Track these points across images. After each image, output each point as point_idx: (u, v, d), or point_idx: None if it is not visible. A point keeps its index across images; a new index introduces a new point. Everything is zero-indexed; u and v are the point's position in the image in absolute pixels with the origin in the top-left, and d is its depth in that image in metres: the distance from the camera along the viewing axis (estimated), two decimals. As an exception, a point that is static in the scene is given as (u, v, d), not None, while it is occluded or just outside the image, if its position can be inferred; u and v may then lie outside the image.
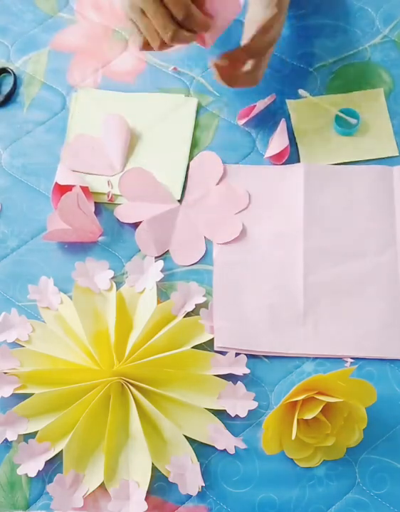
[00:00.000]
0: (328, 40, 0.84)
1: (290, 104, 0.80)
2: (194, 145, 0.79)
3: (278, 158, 0.77)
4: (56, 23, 0.86)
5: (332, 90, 0.81)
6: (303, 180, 0.75)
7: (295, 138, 0.78)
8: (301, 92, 0.78)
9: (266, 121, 0.80)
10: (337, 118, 0.78)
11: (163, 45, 0.67)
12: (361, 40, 0.83)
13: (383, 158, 0.77)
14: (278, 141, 0.76)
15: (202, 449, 0.66)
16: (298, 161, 0.77)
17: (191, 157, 0.78)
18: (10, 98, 0.80)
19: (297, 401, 0.63)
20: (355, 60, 0.82)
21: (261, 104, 0.79)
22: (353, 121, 0.77)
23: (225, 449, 0.65)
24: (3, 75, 0.84)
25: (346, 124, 0.78)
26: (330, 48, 0.83)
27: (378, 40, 0.83)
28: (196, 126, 0.80)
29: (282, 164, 0.77)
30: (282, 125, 0.78)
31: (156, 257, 0.73)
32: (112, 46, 0.85)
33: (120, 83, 0.83)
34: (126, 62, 0.84)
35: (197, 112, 0.80)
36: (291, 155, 0.77)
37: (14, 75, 0.83)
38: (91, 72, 0.84)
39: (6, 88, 0.82)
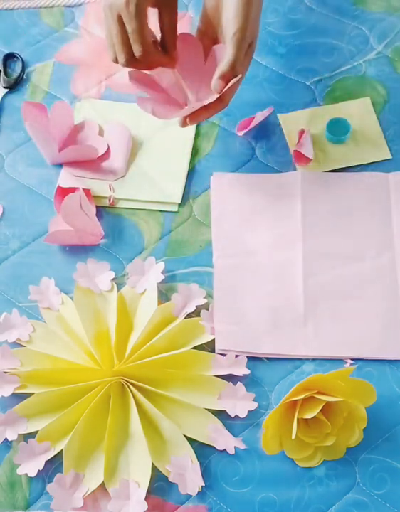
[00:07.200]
0: (324, 57, 0.86)
1: (281, 117, 0.82)
2: (195, 153, 0.80)
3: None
4: (61, 37, 0.89)
5: (329, 102, 0.83)
6: (300, 186, 0.77)
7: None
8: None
9: (264, 131, 0.81)
10: (328, 127, 0.80)
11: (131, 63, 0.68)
12: (356, 56, 0.86)
13: (377, 162, 0.79)
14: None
15: (202, 449, 0.65)
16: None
17: (191, 164, 0.80)
18: (18, 83, 0.81)
19: (297, 400, 0.63)
20: (350, 73, 0.85)
21: (260, 116, 0.80)
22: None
23: (225, 449, 0.65)
24: (9, 60, 0.86)
25: (337, 132, 0.80)
26: (326, 64, 0.85)
27: (372, 56, 0.86)
28: (196, 135, 0.81)
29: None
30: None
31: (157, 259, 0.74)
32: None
33: (123, 94, 0.85)
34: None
35: (198, 122, 0.82)
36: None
37: (22, 60, 0.85)
38: (95, 83, 0.86)
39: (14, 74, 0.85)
